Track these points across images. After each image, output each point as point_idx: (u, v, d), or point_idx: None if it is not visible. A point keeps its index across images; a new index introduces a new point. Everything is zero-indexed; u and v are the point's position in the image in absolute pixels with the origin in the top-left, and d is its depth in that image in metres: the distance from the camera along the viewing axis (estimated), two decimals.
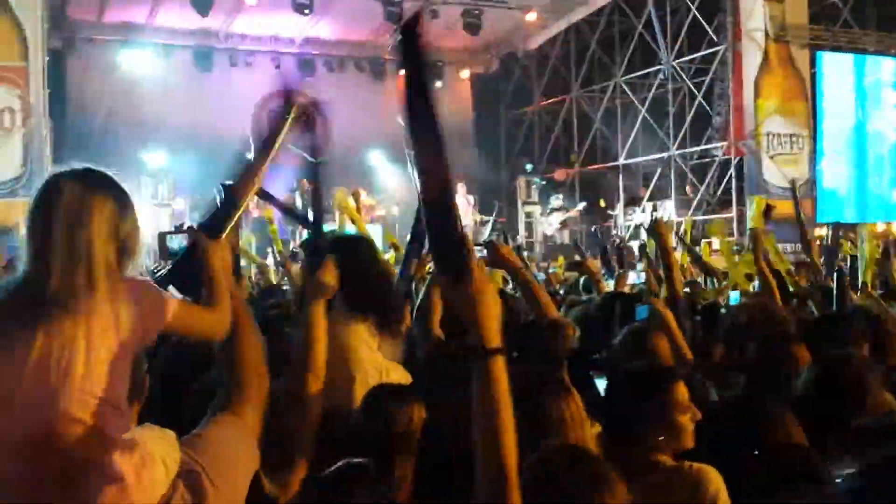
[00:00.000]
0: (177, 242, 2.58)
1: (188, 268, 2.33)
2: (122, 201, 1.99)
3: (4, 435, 1.83)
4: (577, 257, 7.67)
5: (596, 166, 19.40)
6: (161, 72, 18.05)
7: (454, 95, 21.16)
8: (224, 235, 2.38)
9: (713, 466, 2.45)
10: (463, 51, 20.53)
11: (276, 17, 16.73)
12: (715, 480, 2.38)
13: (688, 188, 17.44)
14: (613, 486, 1.91)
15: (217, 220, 2.46)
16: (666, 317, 3.63)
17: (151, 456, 1.92)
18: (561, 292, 6.91)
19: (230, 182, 2.57)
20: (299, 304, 3.40)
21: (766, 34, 15.59)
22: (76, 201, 1.93)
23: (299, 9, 15.89)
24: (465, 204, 17.48)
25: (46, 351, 1.83)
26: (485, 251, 3.84)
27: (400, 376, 3.17)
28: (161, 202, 16.03)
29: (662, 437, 2.52)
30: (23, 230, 1.97)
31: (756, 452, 2.45)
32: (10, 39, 11.92)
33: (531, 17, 18.21)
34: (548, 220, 17.71)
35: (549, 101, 20.57)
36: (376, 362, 3.14)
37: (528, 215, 18.70)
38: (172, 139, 16.70)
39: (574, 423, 2.36)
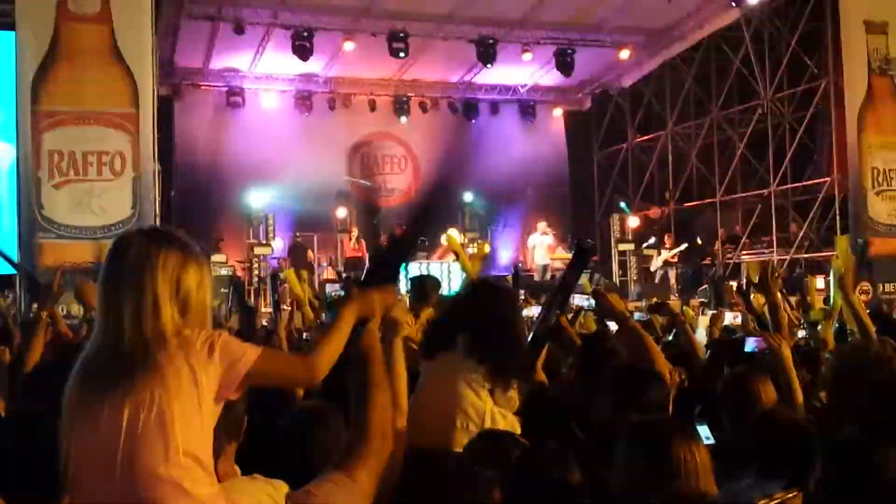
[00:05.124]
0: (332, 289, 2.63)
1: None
2: (185, 260, 2.03)
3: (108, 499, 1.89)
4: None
5: (692, 203, 19.06)
6: (262, 115, 18.68)
7: (547, 133, 21.21)
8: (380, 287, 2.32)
9: None
10: (556, 89, 20.58)
11: (372, 60, 17.12)
12: None
13: (792, 226, 16.96)
14: None
15: (379, 271, 2.44)
16: (784, 353, 3.54)
17: None
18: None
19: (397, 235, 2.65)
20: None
21: (870, 67, 15.12)
22: (141, 258, 1.99)
23: (395, 52, 16.23)
24: (539, 241, 17.54)
25: (133, 412, 1.89)
26: (592, 301, 3.86)
27: (507, 423, 3.16)
28: (261, 242, 16.50)
29: None
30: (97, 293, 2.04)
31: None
32: (122, 87, 12.49)
33: (625, 54, 18.12)
34: (655, 260, 17.49)
35: (644, 137, 20.38)
36: (479, 408, 3.14)
37: (622, 254, 18.51)
38: (273, 180, 17.21)
39: (702, 472, 2.33)
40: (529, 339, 3.64)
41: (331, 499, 2.09)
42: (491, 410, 3.15)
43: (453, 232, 16.65)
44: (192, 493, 1.90)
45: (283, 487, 2.07)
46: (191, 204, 16.74)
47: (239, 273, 15.45)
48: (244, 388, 2.05)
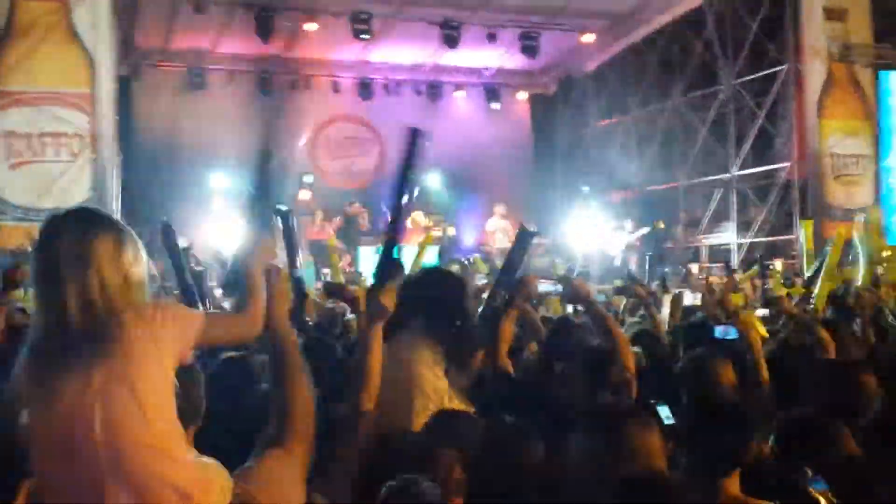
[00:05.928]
0: None
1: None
2: (119, 237, 2.05)
3: (88, 478, 1.90)
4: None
5: (654, 187, 19.21)
6: (224, 96, 18.48)
7: (512, 117, 21.24)
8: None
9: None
10: (520, 73, 20.59)
11: (335, 42, 16.99)
12: None
13: (752, 210, 17.17)
14: None
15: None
16: (753, 337, 3.71)
17: (211, 481, 2.00)
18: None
19: None
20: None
21: (829, 53, 15.31)
22: (78, 238, 1.99)
23: (358, 34, 16.11)
24: (498, 226, 17.62)
25: (102, 389, 1.89)
26: (559, 286, 3.94)
27: (462, 403, 3.21)
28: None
29: None
30: (31, 275, 2.03)
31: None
32: (79, 67, 12.26)
33: (588, 38, 18.16)
34: (612, 242, 17.59)
35: (607, 122, 20.48)
36: (438, 387, 3.19)
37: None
38: (236, 161, 17.04)
39: (653, 454, 2.37)
40: (478, 318, 3.71)
41: (274, 473, 2.16)
42: (449, 390, 3.20)
43: (417, 215, 16.69)
44: (178, 458, 1.95)
45: (222, 467, 2.13)
46: (151, 186, 16.52)
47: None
48: (193, 350, 2.15)
